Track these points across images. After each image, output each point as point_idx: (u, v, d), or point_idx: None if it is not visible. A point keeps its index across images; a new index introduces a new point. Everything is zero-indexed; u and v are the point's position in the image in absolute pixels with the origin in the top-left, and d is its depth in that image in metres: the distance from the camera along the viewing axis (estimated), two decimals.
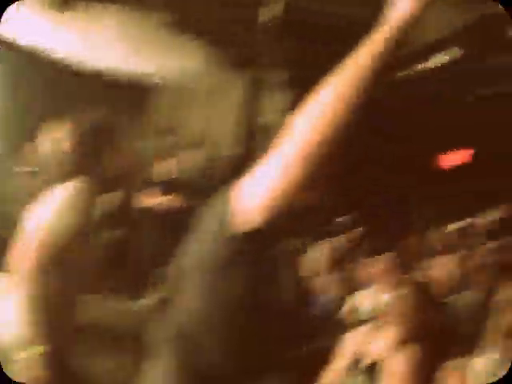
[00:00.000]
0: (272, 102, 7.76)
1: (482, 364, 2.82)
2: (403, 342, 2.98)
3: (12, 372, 2.48)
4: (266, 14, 7.09)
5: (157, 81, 7.81)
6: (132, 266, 7.49)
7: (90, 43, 7.22)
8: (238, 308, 1.75)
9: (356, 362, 3.33)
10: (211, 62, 7.73)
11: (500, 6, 2.43)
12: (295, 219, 1.87)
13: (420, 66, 7.50)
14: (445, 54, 7.03)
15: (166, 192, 7.52)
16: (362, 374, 3.24)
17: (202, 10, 7.49)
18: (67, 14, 6.64)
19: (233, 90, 8.31)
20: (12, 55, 7.24)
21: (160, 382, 1.87)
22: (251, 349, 1.81)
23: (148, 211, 7.49)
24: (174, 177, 7.79)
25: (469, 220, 6.48)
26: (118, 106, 8.47)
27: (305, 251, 5.64)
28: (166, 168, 7.85)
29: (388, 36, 1.69)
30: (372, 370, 3.21)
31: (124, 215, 7.39)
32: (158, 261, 6.99)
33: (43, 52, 7.24)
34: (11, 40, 6.99)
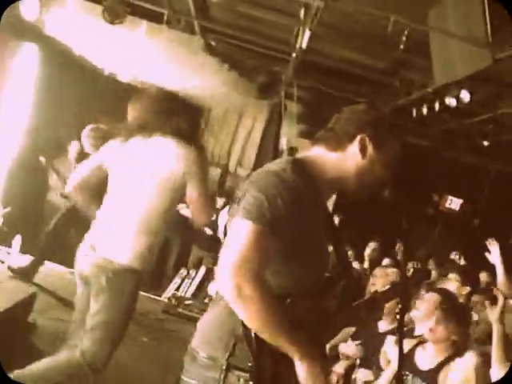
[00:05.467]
0: (289, 129, 8.30)
1: None
2: None
3: None
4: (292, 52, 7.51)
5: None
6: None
7: (127, 56, 7.87)
8: None
9: None
10: (232, 86, 8.30)
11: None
12: None
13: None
14: None
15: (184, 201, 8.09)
16: None
17: (236, 38, 8.17)
18: (116, 28, 7.27)
19: (252, 116, 8.83)
20: (53, 49, 7.66)
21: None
22: None
23: None
24: None
25: None
26: None
27: None
28: None
29: None
30: None
31: None
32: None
33: (81, 55, 7.93)
34: (54, 35, 7.53)
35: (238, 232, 2.12)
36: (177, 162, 3.60)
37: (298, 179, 2.22)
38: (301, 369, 2.16)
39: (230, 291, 2.05)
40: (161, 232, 3.67)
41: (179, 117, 3.77)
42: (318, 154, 2.41)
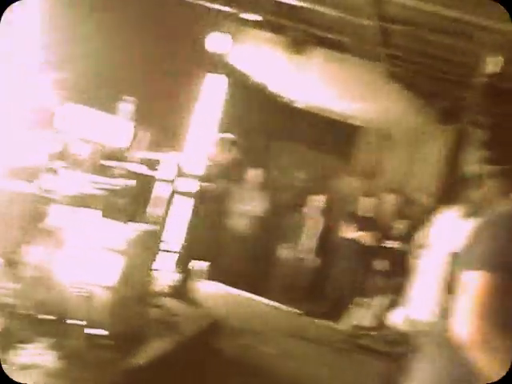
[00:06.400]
0: (472, 156, 8.00)
1: None
2: None
3: None
4: (480, 76, 7.16)
5: (360, 123, 8.43)
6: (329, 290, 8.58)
7: (308, 82, 8.10)
8: None
9: None
10: (413, 111, 8.23)
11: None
12: None
13: None
14: None
15: (362, 228, 8.24)
16: None
17: (418, 63, 7.98)
18: (298, 58, 7.31)
19: (433, 141, 8.66)
20: (237, 79, 8.20)
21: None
22: None
23: (346, 242, 8.38)
24: (371, 215, 8.49)
25: None
26: (325, 144, 9.25)
27: None
28: (368, 206, 8.60)
29: None
30: None
31: (324, 243, 8.93)
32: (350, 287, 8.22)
33: (262, 83, 8.31)
34: (238, 66, 8.09)
35: (471, 284, 1.93)
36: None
37: None
38: None
39: (474, 338, 1.85)
40: None
41: None
42: None
